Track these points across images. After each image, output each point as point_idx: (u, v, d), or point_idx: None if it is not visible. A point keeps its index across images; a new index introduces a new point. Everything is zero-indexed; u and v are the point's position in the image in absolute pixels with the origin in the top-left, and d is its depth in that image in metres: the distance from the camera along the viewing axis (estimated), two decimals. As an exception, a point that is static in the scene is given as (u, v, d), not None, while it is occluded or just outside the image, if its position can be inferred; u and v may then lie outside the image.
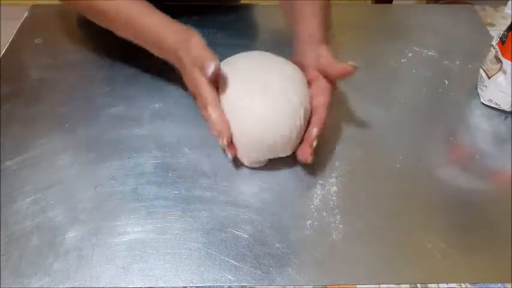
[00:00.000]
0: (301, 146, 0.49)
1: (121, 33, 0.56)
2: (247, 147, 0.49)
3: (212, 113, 0.48)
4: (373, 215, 0.47)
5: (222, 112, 0.48)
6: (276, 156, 0.50)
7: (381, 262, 0.44)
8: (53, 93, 0.60)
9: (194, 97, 0.52)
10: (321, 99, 0.50)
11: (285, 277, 0.42)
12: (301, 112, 0.49)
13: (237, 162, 0.51)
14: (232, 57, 0.54)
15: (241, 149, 0.49)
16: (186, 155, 0.53)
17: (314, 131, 0.48)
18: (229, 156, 0.49)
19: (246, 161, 0.50)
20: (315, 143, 0.48)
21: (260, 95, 0.48)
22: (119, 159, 0.52)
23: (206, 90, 0.48)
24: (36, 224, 0.46)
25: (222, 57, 0.65)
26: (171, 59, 0.53)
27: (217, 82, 0.50)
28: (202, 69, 0.48)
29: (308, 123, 0.50)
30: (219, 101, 0.49)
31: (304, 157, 0.48)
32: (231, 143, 0.48)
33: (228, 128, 0.48)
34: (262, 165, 0.51)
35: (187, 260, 0.44)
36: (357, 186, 0.50)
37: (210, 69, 0.47)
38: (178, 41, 0.51)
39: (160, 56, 0.55)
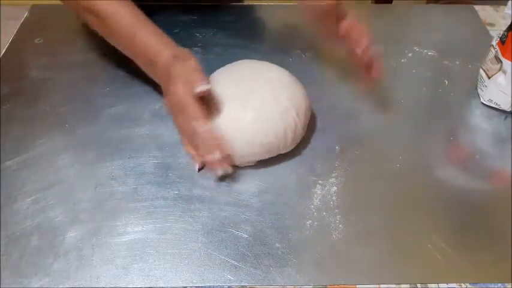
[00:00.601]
0: (368, 71, 0.55)
1: (113, 39, 0.55)
2: (239, 150, 0.49)
3: (201, 126, 0.46)
4: (373, 215, 0.47)
5: (211, 125, 0.47)
6: (269, 156, 0.51)
7: (380, 262, 0.44)
8: (53, 93, 0.60)
9: (175, 116, 0.50)
10: (348, 21, 0.54)
11: (285, 277, 0.42)
12: (293, 112, 0.50)
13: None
14: (219, 70, 0.55)
15: (233, 151, 0.49)
16: (186, 155, 0.53)
17: (364, 41, 0.52)
18: (219, 172, 0.47)
19: (237, 162, 0.50)
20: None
21: (248, 100, 0.49)
22: (119, 159, 0.52)
23: (195, 105, 0.47)
24: (36, 224, 0.46)
25: (222, 57, 0.65)
26: (157, 72, 0.52)
27: (205, 104, 0.49)
28: (192, 85, 0.47)
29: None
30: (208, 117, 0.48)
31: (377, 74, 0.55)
32: (226, 156, 0.47)
33: (222, 140, 0.47)
34: (252, 164, 0.51)
35: (187, 260, 0.44)
36: (357, 186, 0.50)
37: (202, 87, 0.47)
38: (175, 57, 0.49)
39: (142, 66, 0.53)
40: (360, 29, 0.54)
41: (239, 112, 0.48)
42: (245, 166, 0.51)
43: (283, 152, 0.51)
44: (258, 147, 0.49)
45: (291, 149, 0.52)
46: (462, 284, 0.42)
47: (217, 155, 0.46)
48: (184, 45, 0.67)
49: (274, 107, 0.49)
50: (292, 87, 0.52)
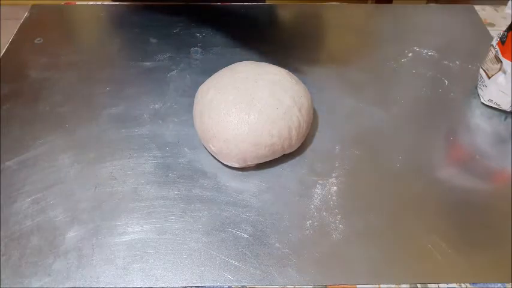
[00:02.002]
0: None
1: None
2: (244, 152, 0.49)
3: None
4: (373, 215, 0.47)
5: None
6: (274, 158, 0.51)
7: (380, 262, 0.44)
8: (53, 93, 0.60)
9: None
10: None
11: (285, 277, 0.42)
12: (296, 110, 0.50)
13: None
14: (218, 72, 0.55)
15: (236, 154, 0.49)
16: (186, 155, 0.53)
17: None
18: None
19: (239, 164, 0.50)
20: None
21: (251, 102, 0.49)
22: (119, 159, 0.52)
23: None
24: (36, 224, 0.46)
25: (222, 57, 0.66)
26: None
27: None
28: None
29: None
30: None
31: None
32: None
33: None
34: (252, 165, 0.51)
35: (187, 260, 0.44)
36: (357, 186, 0.50)
37: None
38: None
39: None
40: None
41: (242, 114, 0.48)
42: (245, 167, 0.51)
43: (288, 151, 0.51)
44: (262, 149, 0.49)
45: (296, 148, 0.52)
46: (462, 284, 0.42)
47: None
48: (185, 45, 0.68)
49: (277, 107, 0.49)
50: (294, 86, 0.52)
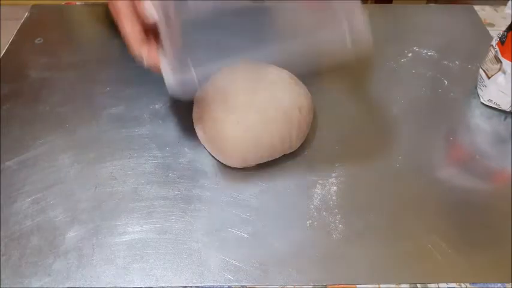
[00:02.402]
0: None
1: None
2: (244, 153, 0.49)
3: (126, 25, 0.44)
4: (373, 215, 0.47)
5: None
6: (274, 158, 0.51)
7: (380, 262, 0.44)
8: (53, 93, 0.60)
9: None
10: None
11: (285, 277, 0.42)
12: (296, 110, 0.50)
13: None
14: (218, 72, 0.55)
15: (236, 154, 0.49)
16: (186, 155, 0.53)
17: None
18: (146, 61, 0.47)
19: (239, 165, 0.50)
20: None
21: (251, 102, 0.49)
22: (119, 159, 0.52)
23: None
24: (36, 224, 0.46)
25: (222, 57, 0.65)
26: None
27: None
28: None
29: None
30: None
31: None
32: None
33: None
34: (252, 165, 0.51)
35: (187, 260, 0.44)
36: (357, 186, 0.50)
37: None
38: None
39: None
40: None
41: (242, 115, 0.48)
42: (245, 167, 0.51)
43: (288, 152, 0.51)
44: (262, 150, 0.49)
45: (296, 148, 0.52)
46: (462, 284, 0.42)
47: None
48: (184, 45, 0.68)
49: (277, 107, 0.49)
50: (294, 86, 0.52)
